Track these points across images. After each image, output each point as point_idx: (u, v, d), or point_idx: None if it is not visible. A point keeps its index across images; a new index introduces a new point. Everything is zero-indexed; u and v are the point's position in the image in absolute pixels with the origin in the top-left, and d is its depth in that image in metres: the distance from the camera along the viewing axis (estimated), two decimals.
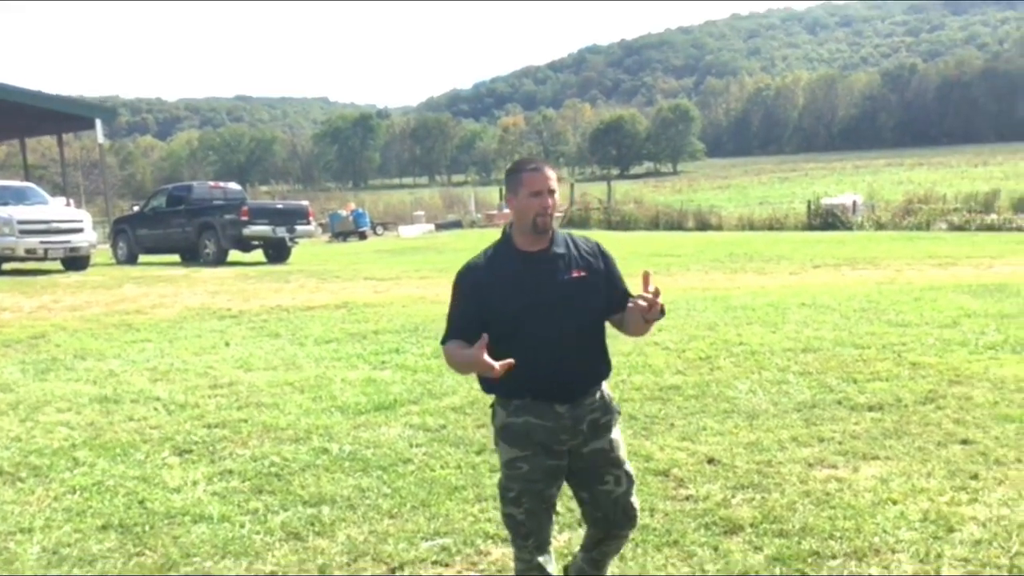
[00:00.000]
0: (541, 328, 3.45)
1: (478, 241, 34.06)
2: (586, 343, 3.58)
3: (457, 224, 45.26)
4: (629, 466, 3.70)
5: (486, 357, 3.23)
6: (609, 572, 4.03)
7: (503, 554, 4.72)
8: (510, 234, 3.57)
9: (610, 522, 3.68)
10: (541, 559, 3.54)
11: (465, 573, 4.56)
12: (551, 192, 3.48)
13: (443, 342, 3.56)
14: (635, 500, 3.74)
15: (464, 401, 7.81)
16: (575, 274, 3.53)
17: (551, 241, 3.54)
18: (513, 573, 3.69)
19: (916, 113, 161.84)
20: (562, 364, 3.49)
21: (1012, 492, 5.26)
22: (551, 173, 3.52)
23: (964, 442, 6.19)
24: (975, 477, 5.52)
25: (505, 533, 4.90)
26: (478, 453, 6.36)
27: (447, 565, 4.66)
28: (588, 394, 3.60)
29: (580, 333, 3.55)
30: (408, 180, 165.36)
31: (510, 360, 3.26)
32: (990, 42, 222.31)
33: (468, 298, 3.51)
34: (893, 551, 4.53)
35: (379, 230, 42.68)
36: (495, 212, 46.63)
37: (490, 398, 3.67)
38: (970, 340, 9.41)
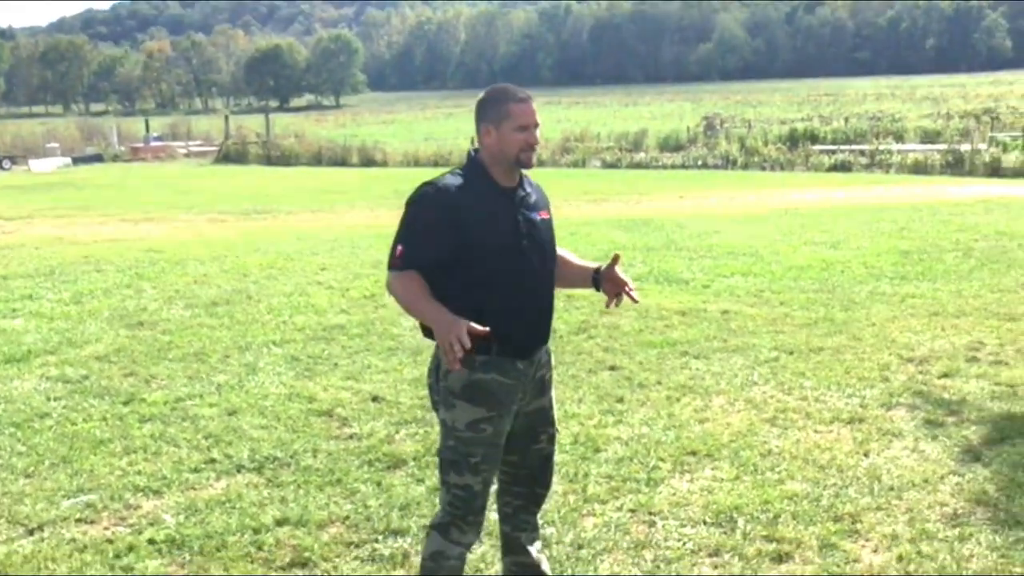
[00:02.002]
0: (521, 272, 3.13)
1: (123, 176, 31.74)
2: (553, 290, 3.29)
3: (98, 158, 41.67)
4: (557, 424, 3.41)
5: (473, 324, 2.85)
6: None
7: (155, 506, 4.45)
8: (483, 165, 3.14)
9: (535, 480, 3.37)
10: (474, 545, 3.20)
11: (113, 528, 4.25)
12: (537, 126, 3.14)
13: (398, 268, 3.03)
14: (555, 460, 3.47)
15: (109, 349, 7.27)
16: (543, 215, 3.25)
17: (520, 178, 3.20)
18: (430, 563, 3.13)
19: (572, 53, 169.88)
20: (539, 313, 3.21)
21: (652, 412, 5.72)
22: (533, 103, 3.13)
23: (612, 368, 6.64)
24: (621, 400, 5.95)
25: (157, 485, 4.64)
26: (125, 404, 5.94)
27: (93, 522, 4.32)
28: (543, 348, 3.30)
29: (551, 279, 3.28)
30: (39, 109, 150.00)
31: (487, 328, 2.88)
32: None
33: (439, 223, 3.02)
34: None
35: (6, 164, 38.27)
36: (141, 145, 43.63)
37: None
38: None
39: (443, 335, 2.86)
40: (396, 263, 3.05)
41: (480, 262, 3.05)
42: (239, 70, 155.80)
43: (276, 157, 37.42)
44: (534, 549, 3.45)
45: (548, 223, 3.25)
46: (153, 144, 44.63)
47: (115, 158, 41.82)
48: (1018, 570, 3.72)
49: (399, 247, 3.05)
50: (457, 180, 3.10)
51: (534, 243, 3.16)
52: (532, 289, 3.16)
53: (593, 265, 3.42)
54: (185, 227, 15.76)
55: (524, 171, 3.19)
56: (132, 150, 42.99)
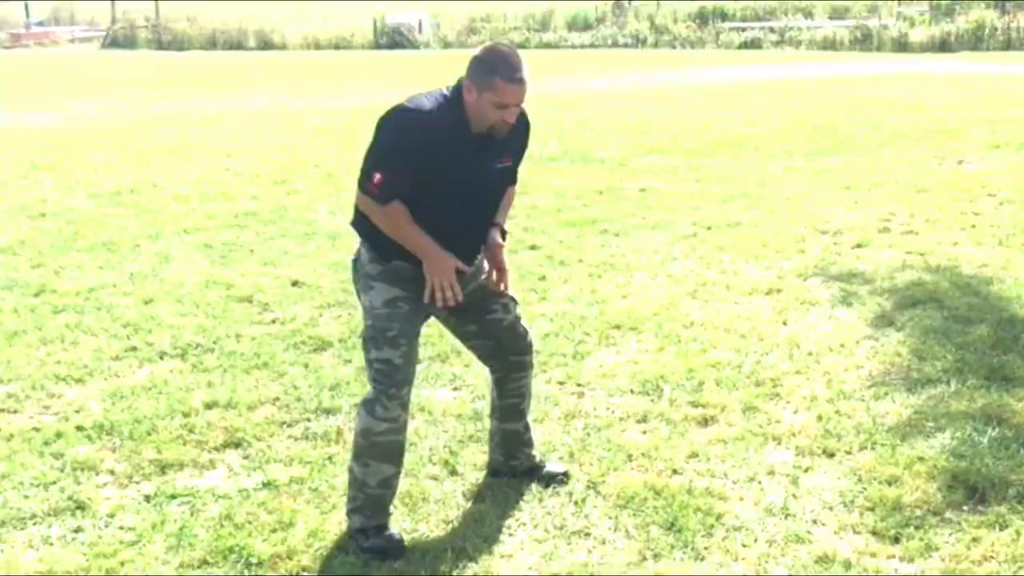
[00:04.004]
0: (459, 208, 3.14)
1: (3, 64, 29.98)
2: (487, 222, 3.29)
3: None
4: (512, 292, 3.42)
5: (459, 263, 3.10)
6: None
7: (79, 394, 4.35)
8: (463, 106, 3.05)
9: (504, 348, 3.41)
10: (407, 418, 3.16)
11: (39, 417, 4.15)
12: (518, 106, 3.06)
13: (379, 199, 3.05)
14: (525, 324, 3.49)
15: (12, 240, 6.98)
16: (504, 162, 3.24)
17: None
18: (360, 440, 3.13)
19: None
20: (462, 242, 3.21)
21: (575, 289, 5.77)
22: (527, 82, 3.03)
23: (532, 247, 6.65)
24: (543, 279, 5.97)
25: (79, 374, 4.53)
26: (36, 295, 5.74)
27: (16, 412, 4.22)
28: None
29: (487, 216, 3.29)
30: None
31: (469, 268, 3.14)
32: None
33: (410, 155, 3.02)
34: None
35: None
36: (22, 32, 41.17)
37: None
38: (534, 153, 9.99)
39: (435, 274, 3.08)
40: (374, 192, 3.06)
41: (427, 188, 3.07)
42: None
43: (168, 42, 35.80)
44: (521, 424, 3.55)
45: (505, 169, 3.26)
46: (35, 30, 42.08)
47: None
48: (930, 424, 3.91)
49: (377, 175, 3.04)
50: (436, 110, 3.05)
51: (482, 190, 3.21)
52: (467, 226, 3.22)
53: (496, 228, 3.36)
54: (78, 116, 15.05)
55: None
56: (12, 37, 40.49)
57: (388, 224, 3.10)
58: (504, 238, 3.33)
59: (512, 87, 3.00)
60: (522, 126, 3.25)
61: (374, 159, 3.08)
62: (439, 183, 3.08)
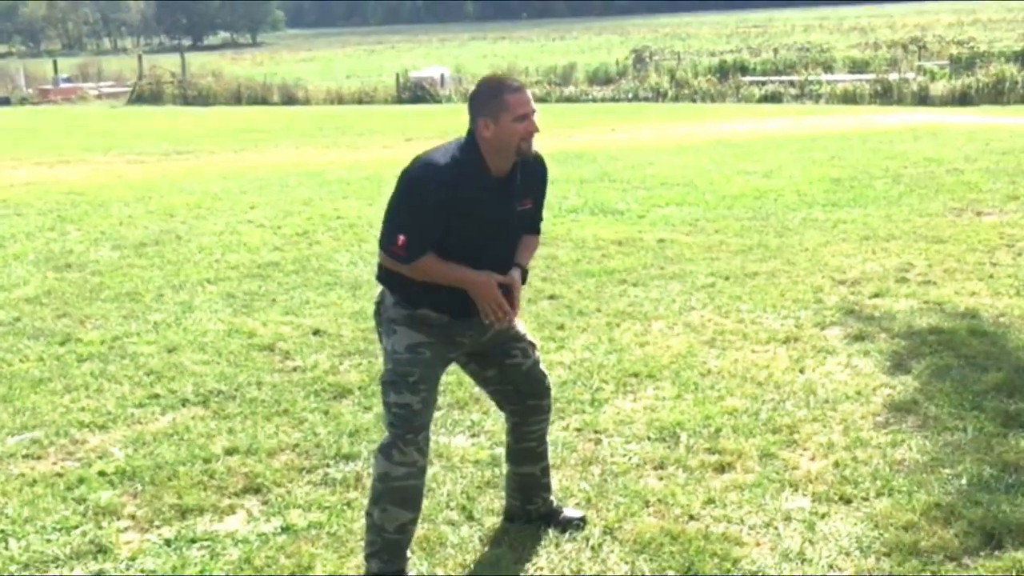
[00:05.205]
0: (480, 251, 3.19)
1: (33, 119, 30.58)
2: (508, 263, 3.32)
3: (5, 101, 39.86)
4: (531, 337, 3.48)
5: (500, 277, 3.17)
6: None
7: (102, 441, 4.42)
8: (479, 152, 3.13)
9: (522, 393, 3.44)
10: (424, 463, 3.19)
11: (62, 463, 4.21)
12: (535, 112, 3.14)
13: (409, 260, 3.10)
14: (544, 368, 3.54)
15: (39, 291, 7.10)
16: (524, 205, 3.29)
17: (514, 164, 3.20)
18: (378, 484, 3.16)
19: None
20: None
21: (593, 338, 5.81)
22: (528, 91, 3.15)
23: (551, 297, 6.70)
24: (561, 327, 6.02)
25: (102, 421, 4.60)
26: (62, 344, 5.83)
27: (40, 458, 4.29)
28: None
29: (508, 257, 3.33)
30: None
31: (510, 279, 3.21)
32: None
33: (435, 211, 3.08)
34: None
35: None
36: (50, 87, 42.00)
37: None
38: (554, 204, 10.14)
39: (483, 299, 3.15)
40: (402, 254, 3.10)
41: (450, 234, 3.13)
42: (149, 7, 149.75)
43: (193, 97, 36.40)
44: (538, 468, 3.56)
45: (524, 212, 3.30)
46: (63, 86, 42.90)
47: (23, 101, 40.17)
48: (947, 470, 3.90)
49: (400, 237, 3.10)
50: (453, 161, 3.11)
51: (503, 232, 3.26)
52: (488, 268, 3.22)
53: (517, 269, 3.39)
54: (104, 169, 15.30)
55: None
56: (41, 93, 41.26)
57: (421, 274, 3.14)
58: (524, 279, 3.36)
59: (519, 95, 3.11)
60: (540, 169, 3.32)
61: (396, 222, 3.13)
62: (461, 228, 3.13)
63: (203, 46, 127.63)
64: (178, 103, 35.83)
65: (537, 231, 3.45)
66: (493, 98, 3.10)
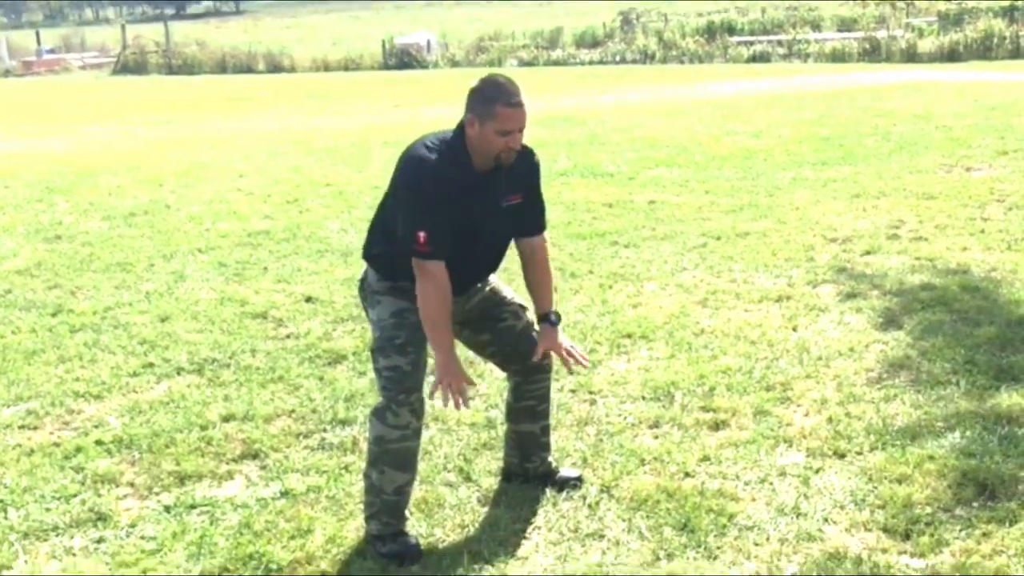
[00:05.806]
0: (466, 248, 3.18)
1: (17, 91, 30.28)
2: (495, 260, 3.39)
3: None
4: (520, 299, 3.49)
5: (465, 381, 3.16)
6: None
7: (97, 410, 4.42)
8: (466, 147, 3.12)
9: (521, 353, 3.43)
10: (419, 424, 3.20)
11: (58, 433, 4.22)
12: (522, 129, 3.11)
13: (435, 255, 3.08)
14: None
15: (29, 263, 7.07)
16: (512, 200, 3.26)
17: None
18: (374, 448, 3.19)
19: None
20: (470, 278, 3.32)
21: (586, 299, 5.81)
22: (526, 107, 3.10)
23: None
24: (555, 290, 6.00)
25: (97, 390, 4.59)
26: (53, 315, 5.82)
27: (36, 428, 4.29)
28: None
29: (497, 254, 3.38)
30: None
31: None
32: None
33: (440, 208, 3.08)
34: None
35: None
36: (33, 59, 41.58)
37: None
38: (544, 168, 10.07)
39: (444, 376, 3.11)
40: (427, 250, 3.07)
41: None
42: None
43: (178, 66, 36.19)
44: (537, 427, 3.58)
45: (514, 207, 3.27)
46: (46, 57, 42.50)
47: (6, 73, 39.83)
48: (939, 423, 3.93)
49: (421, 233, 3.06)
50: (440, 163, 3.10)
51: (490, 227, 3.24)
52: (471, 262, 3.25)
53: (543, 311, 3.44)
54: (91, 140, 15.22)
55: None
56: (24, 64, 40.92)
57: (434, 301, 3.10)
58: (559, 320, 3.43)
59: (513, 111, 3.06)
60: (531, 165, 3.31)
61: (411, 220, 3.09)
62: (456, 231, 3.12)
63: (186, 15, 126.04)
64: (163, 73, 35.61)
65: (540, 230, 3.42)
66: (487, 103, 3.08)
